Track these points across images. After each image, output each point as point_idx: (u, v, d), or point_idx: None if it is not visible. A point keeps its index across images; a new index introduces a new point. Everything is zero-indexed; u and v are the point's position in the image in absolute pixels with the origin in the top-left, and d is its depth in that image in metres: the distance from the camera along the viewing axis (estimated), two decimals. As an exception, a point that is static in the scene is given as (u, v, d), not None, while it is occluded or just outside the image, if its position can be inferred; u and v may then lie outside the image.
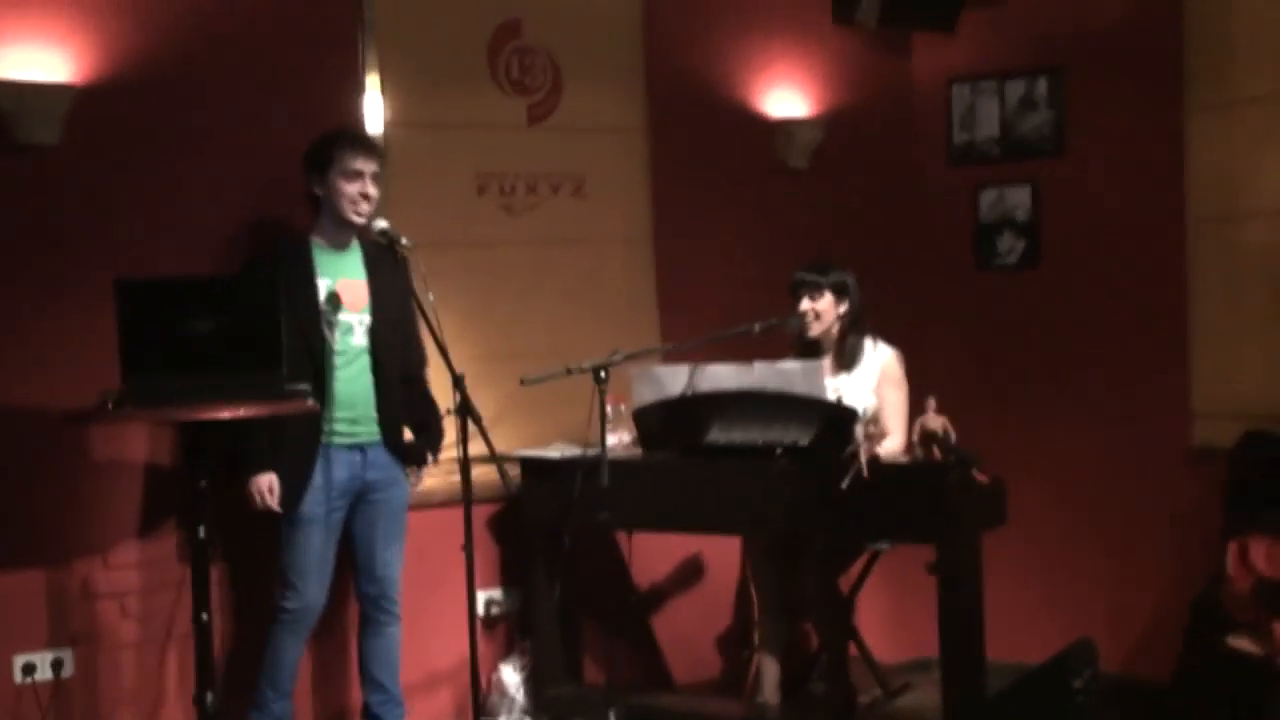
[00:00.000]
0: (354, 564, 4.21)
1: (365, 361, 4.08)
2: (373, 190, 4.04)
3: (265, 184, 4.37)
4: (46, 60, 4.04)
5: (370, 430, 4.10)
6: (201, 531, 3.62)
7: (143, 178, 4.22)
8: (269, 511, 3.94)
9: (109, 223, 4.16)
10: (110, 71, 4.17)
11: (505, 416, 4.73)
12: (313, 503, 3.99)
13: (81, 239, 4.11)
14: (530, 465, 4.60)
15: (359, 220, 4.03)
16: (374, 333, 4.09)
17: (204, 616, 3.64)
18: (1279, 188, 4.79)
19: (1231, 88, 4.93)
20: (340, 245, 4.10)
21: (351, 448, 4.07)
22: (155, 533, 4.24)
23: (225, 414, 3.43)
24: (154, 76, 4.22)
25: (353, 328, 4.07)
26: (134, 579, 4.22)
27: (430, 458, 4.28)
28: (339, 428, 4.04)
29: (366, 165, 4.03)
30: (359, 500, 4.12)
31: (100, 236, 4.13)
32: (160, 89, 4.23)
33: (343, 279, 4.08)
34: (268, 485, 3.93)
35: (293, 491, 3.96)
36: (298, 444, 3.95)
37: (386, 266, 4.08)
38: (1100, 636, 3.95)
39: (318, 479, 3.99)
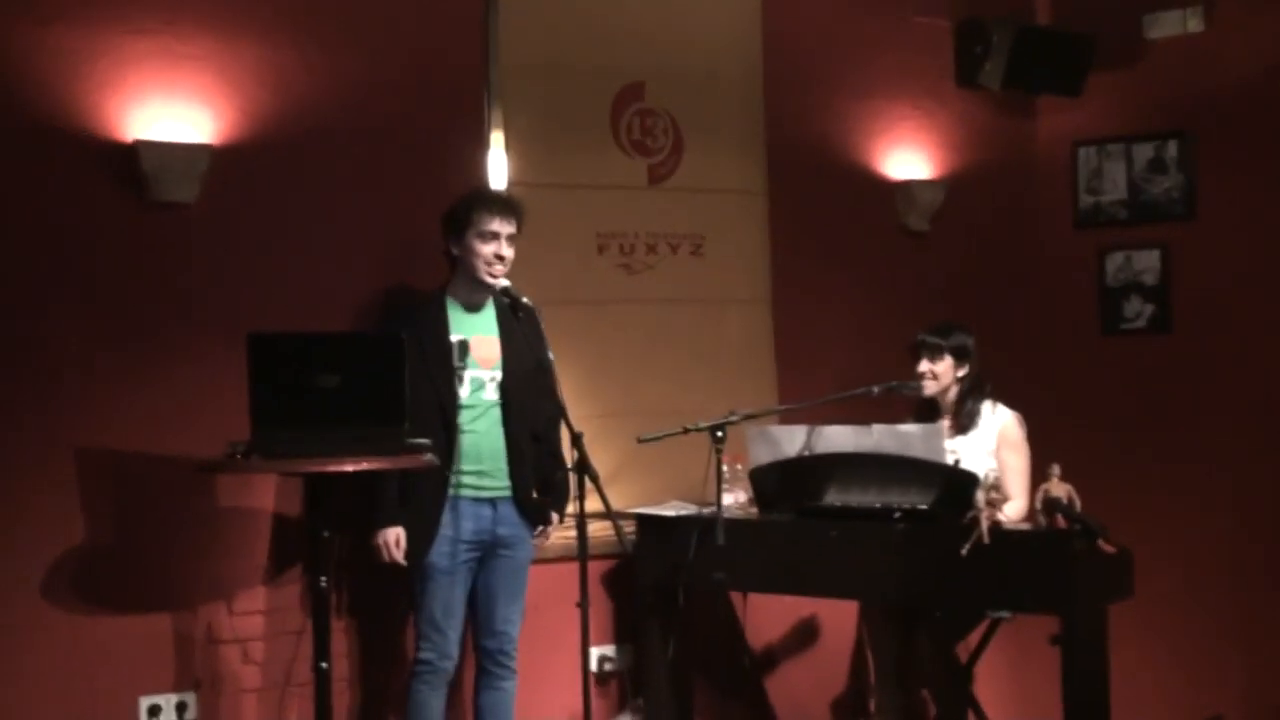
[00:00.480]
0: (474, 618, 4.23)
1: (496, 416, 4.12)
2: (507, 252, 4.08)
3: (392, 244, 4.46)
4: (186, 120, 4.18)
5: (500, 485, 4.13)
6: (323, 581, 3.68)
7: (275, 237, 4.33)
8: (395, 564, 4.00)
9: (241, 280, 4.26)
10: (247, 132, 4.29)
11: (622, 474, 4.74)
12: (440, 554, 4.04)
13: (215, 295, 4.22)
14: (646, 523, 4.60)
15: (492, 281, 4.08)
16: (505, 389, 4.13)
17: (323, 665, 3.69)
18: None
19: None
20: (474, 304, 4.18)
21: (481, 501, 4.11)
22: (279, 581, 4.31)
23: (348, 467, 3.49)
24: (288, 138, 4.34)
25: (484, 383, 4.12)
26: (257, 625, 4.29)
27: (556, 517, 4.30)
28: (468, 480, 4.09)
29: (503, 227, 4.08)
30: (487, 555, 4.16)
31: (232, 293, 4.24)
32: (293, 150, 4.35)
33: (475, 335, 4.14)
34: (394, 538, 3.99)
35: (420, 542, 4.02)
36: (425, 496, 4.00)
37: (515, 324, 4.12)
38: (1234, 716, 3.81)
39: (447, 530, 4.04)
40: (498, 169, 4.71)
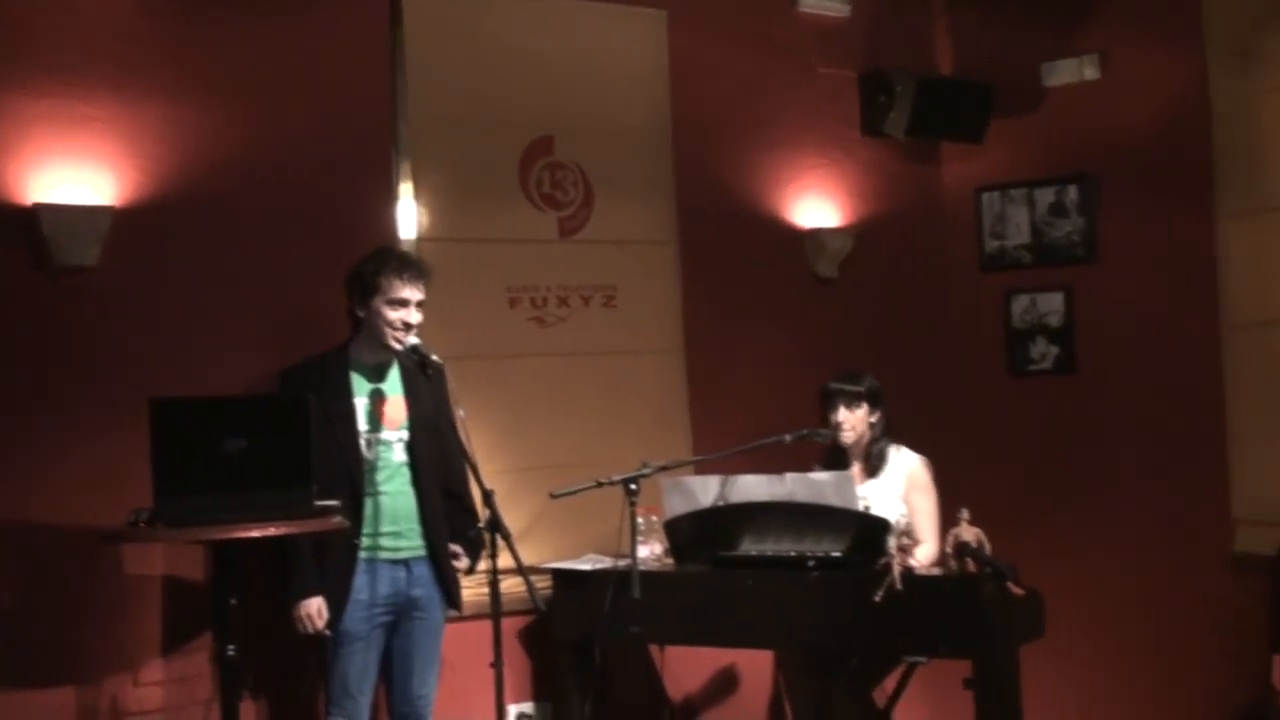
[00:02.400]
0: (389, 682, 4.15)
1: (406, 476, 4.05)
2: (415, 318, 4.00)
3: (299, 303, 4.42)
4: (87, 182, 4.12)
5: (414, 545, 4.06)
6: (230, 650, 3.60)
7: (179, 299, 4.27)
8: (319, 635, 3.92)
9: (145, 344, 4.20)
10: (150, 193, 4.23)
11: (537, 528, 4.73)
12: (355, 619, 3.96)
13: (117, 359, 4.15)
14: (561, 577, 4.58)
15: (399, 347, 4.01)
16: (412, 448, 4.07)
17: (231, 736, 3.61)
18: (1313, 292, 4.78)
19: (1262, 195, 4.94)
20: (378, 364, 4.11)
21: (395, 563, 4.04)
22: (187, 650, 4.22)
23: (254, 533, 3.43)
24: (191, 198, 4.29)
25: (391, 444, 4.05)
26: (162, 696, 4.19)
27: (469, 564, 4.23)
28: (383, 542, 4.01)
29: (413, 293, 3.99)
30: (401, 618, 4.09)
31: (136, 357, 4.17)
32: (198, 211, 4.30)
33: (379, 395, 4.07)
34: (316, 609, 3.89)
35: (333, 608, 3.93)
36: (336, 560, 3.93)
37: (422, 382, 4.07)
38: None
39: (361, 594, 3.96)
40: (407, 224, 4.70)
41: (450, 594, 4.12)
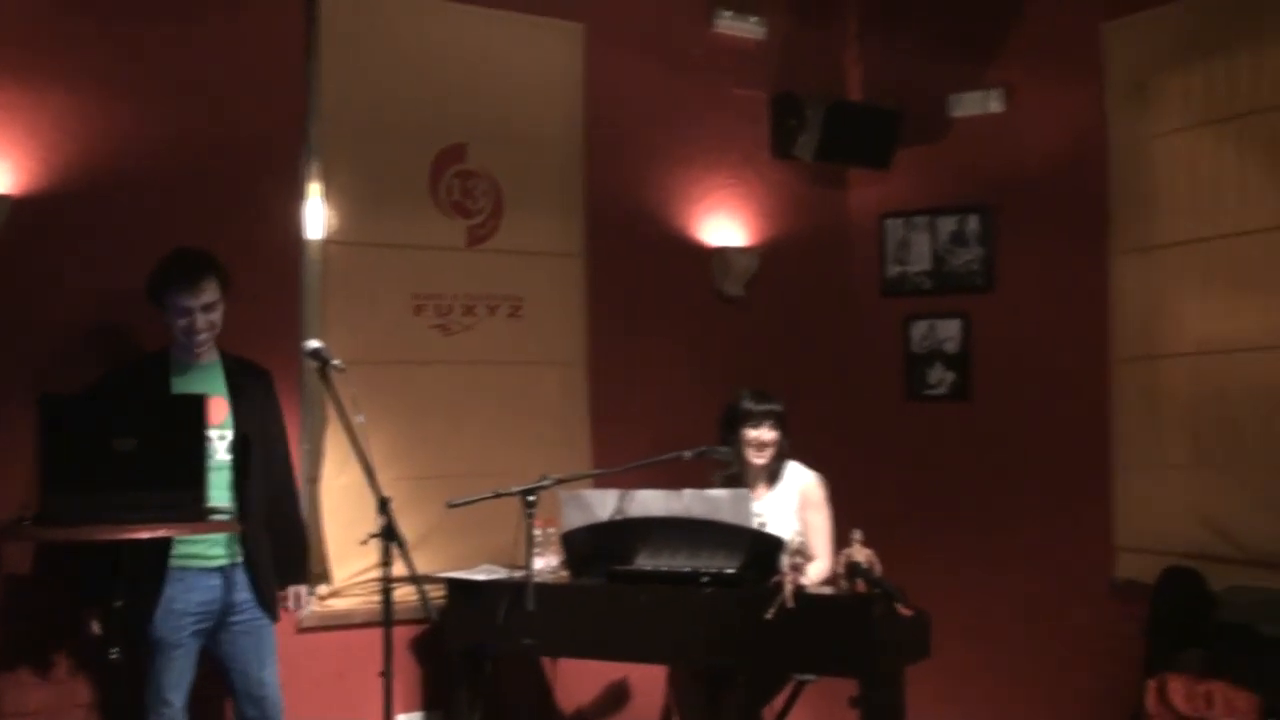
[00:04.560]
0: (232, 689, 4.06)
1: (227, 479, 3.93)
2: (202, 323, 3.89)
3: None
4: (-17, 170, 4.05)
5: (232, 552, 3.95)
6: (113, 653, 3.53)
7: (77, 292, 4.20)
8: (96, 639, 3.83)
9: (36, 337, 4.12)
10: (48, 183, 4.16)
11: (433, 536, 4.71)
12: (167, 627, 3.85)
13: (8, 350, 4.06)
14: (455, 587, 4.55)
15: (198, 351, 3.95)
16: (237, 449, 3.96)
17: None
18: (1197, 329, 4.93)
19: (1154, 231, 5.08)
20: (197, 364, 3.99)
21: (208, 570, 3.92)
22: (65, 652, 4.12)
23: (144, 534, 3.38)
24: (93, 189, 4.22)
25: (214, 444, 3.91)
26: (45, 698, 4.09)
27: (304, 590, 4.22)
28: (197, 549, 3.90)
29: (194, 300, 3.87)
30: (221, 624, 3.97)
31: (25, 350, 4.08)
32: (97, 201, 4.23)
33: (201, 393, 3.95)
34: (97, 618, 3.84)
35: (140, 616, 3.80)
36: (143, 567, 3.77)
37: (250, 382, 3.99)
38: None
39: (174, 603, 3.85)
40: (314, 225, 4.66)
41: (265, 603, 4.02)
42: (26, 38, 4.13)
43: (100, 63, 4.25)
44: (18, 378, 3.98)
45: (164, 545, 3.79)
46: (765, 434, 4.59)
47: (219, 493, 3.88)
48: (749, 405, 4.60)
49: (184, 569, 3.87)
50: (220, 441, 3.95)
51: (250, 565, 3.98)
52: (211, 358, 4.01)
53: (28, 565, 4.08)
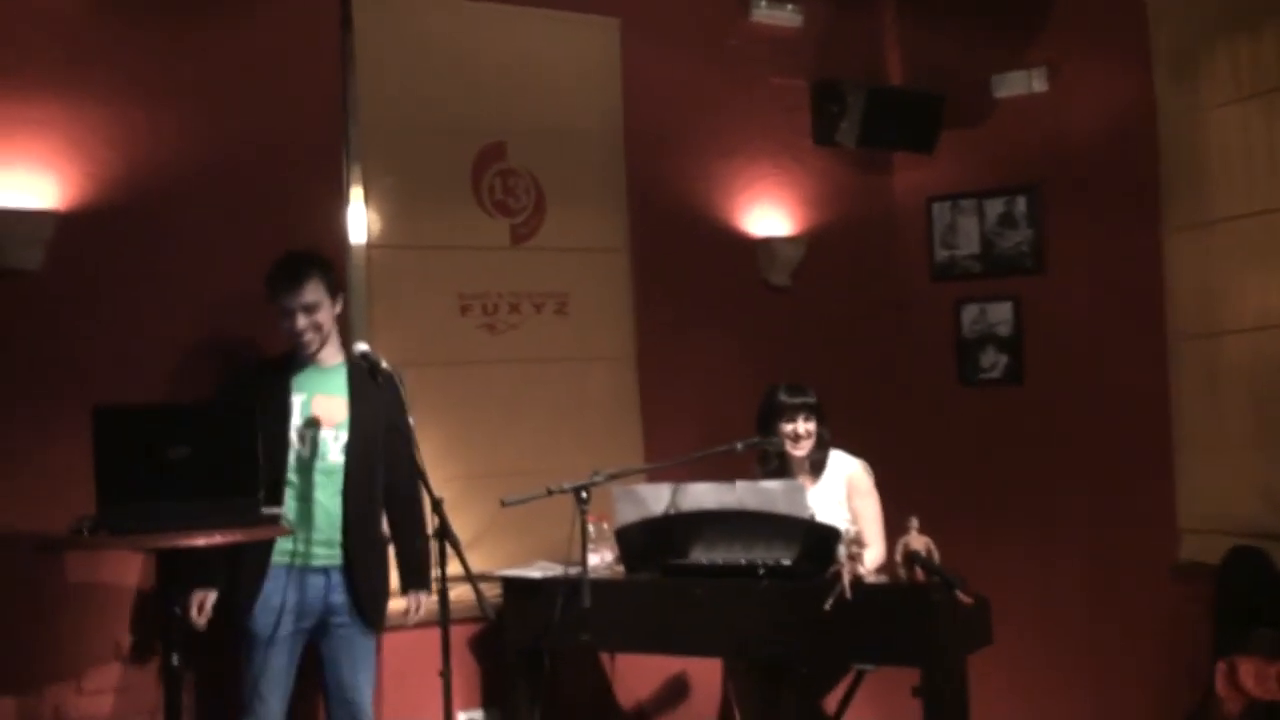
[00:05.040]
0: (324, 690, 4.12)
1: (338, 482, 4.01)
2: (305, 323, 3.96)
3: (249, 307, 4.37)
4: (31, 185, 4.07)
5: (333, 553, 4.00)
6: (174, 659, 3.56)
7: (126, 304, 4.23)
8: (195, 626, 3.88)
9: (89, 349, 4.15)
10: (95, 197, 4.19)
11: (487, 535, 4.71)
12: (267, 623, 3.91)
13: (59, 366, 4.10)
14: (511, 585, 4.55)
15: (309, 350, 4.00)
16: (350, 451, 4.03)
17: (175, 745, 3.57)
18: (1257, 304, 4.84)
19: (1207, 207, 5.00)
20: (321, 364, 4.08)
21: (313, 569, 3.98)
22: (131, 659, 4.17)
23: (200, 541, 3.39)
24: (139, 202, 4.25)
25: (328, 445, 4.01)
26: (107, 705, 4.14)
27: (422, 596, 4.21)
28: (300, 547, 3.95)
29: (293, 300, 3.95)
30: (324, 624, 4.04)
31: (79, 363, 4.11)
32: (145, 214, 4.26)
33: (320, 395, 4.04)
34: (199, 600, 3.87)
35: (240, 609, 3.89)
36: (249, 561, 3.88)
37: (371, 387, 4.01)
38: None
39: (274, 598, 3.91)
40: (357, 230, 4.67)
41: (363, 610, 4.05)
42: (64, 49, 4.16)
43: (138, 72, 4.27)
44: (70, 392, 4.01)
45: (265, 543, 3.84)
46: (801, 426, 4.55)
47: (330, 499, 3.96)
48: (783, 399, 4.58)
49: (287, 566, 3.93)
50: (334, 443, 4.00)
51: (349, 570, 4.00)
52: (335, 360, 4.06)
53: (91, 574, 4.11)
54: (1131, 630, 5.13)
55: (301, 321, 3.96)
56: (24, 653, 4.02)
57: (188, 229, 4.34)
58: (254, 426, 3.56)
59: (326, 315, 4.02)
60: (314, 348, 4.01)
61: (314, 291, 3.98)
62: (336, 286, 4.08)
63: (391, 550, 4.22)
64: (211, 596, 3.88)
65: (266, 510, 3.59)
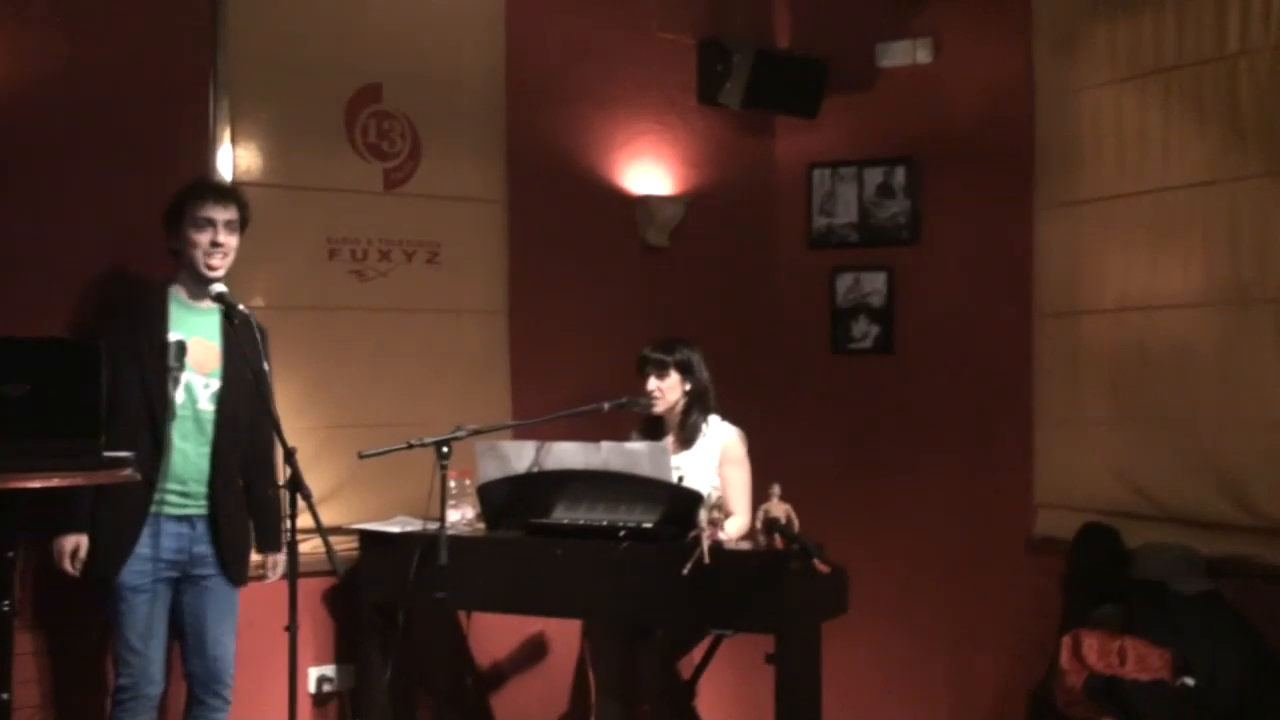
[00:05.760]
0: (182, 641, 4.01)
1: (208, 431, 3.90)
2: (225, 239, 3.89)
3: (109, 241, 4.22)
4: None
5: (199, 503, 3.91)
6: (4, 605, 3.40)
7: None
8: (67, 575, 3.78)
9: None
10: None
11: (348, 488, 4.62)
12: (136, 573, 3.81)
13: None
14: (368, 539, 4.47)
15: (213, 273, 3.88)
16: (220, 400, 3.91)
17: (3, 696, 3.42)
18: (1118, 286, 4.92)
19: (1078, 187, 5.06)
20: (198, 301, 3.94)
21: (181, 519, 3.88)
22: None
23: (35, 483, 3.24)
24: (-3, 129, 4.04)
25: (198, 392, 3.90)
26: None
27: (280, 557, 4.10)
28: (170, 496, 3.86)
29: (219, 213, 3.89)
30: (185, 576, 3.93)
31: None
32: (3, 136, 4.05)
33: (195, 337, 3.91)
34: (71, 547, 3.75)
35: (113, 560, 3.78)
36: (124, 510, 3.76)
37: (245, 335, 3.87)
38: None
39: (144, 548, 3.80)
40: (224, 165, 4.50)
41: (226, 563, 3.97)
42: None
43: (2, -7, 4.05)
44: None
45: (144, 490, 3.72)
46: (655, 382, 4.53)
47: (197, 446, 3.86)
48: (646, 352, 4.57)
49: (159, 514, 3.82)
50: (204, 390, 3.88)
51: (214, 521, 3.91)
52: (210, 304, 3.90)
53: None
54: (988, 602, 5.22)
55: (222, 235, 3.86)
56: None
57: (46, 159, 4.16)
58: (98, 364, 3.40)
59: (234, 244, 3.93)
60: (217, 273, 3.89)
61: (236, 212, 3.93)
62: (245, 222, 4.00)
63: None
64: (84, 543, 3.75)
65: (110, 454, 3.44)
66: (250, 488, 4.07)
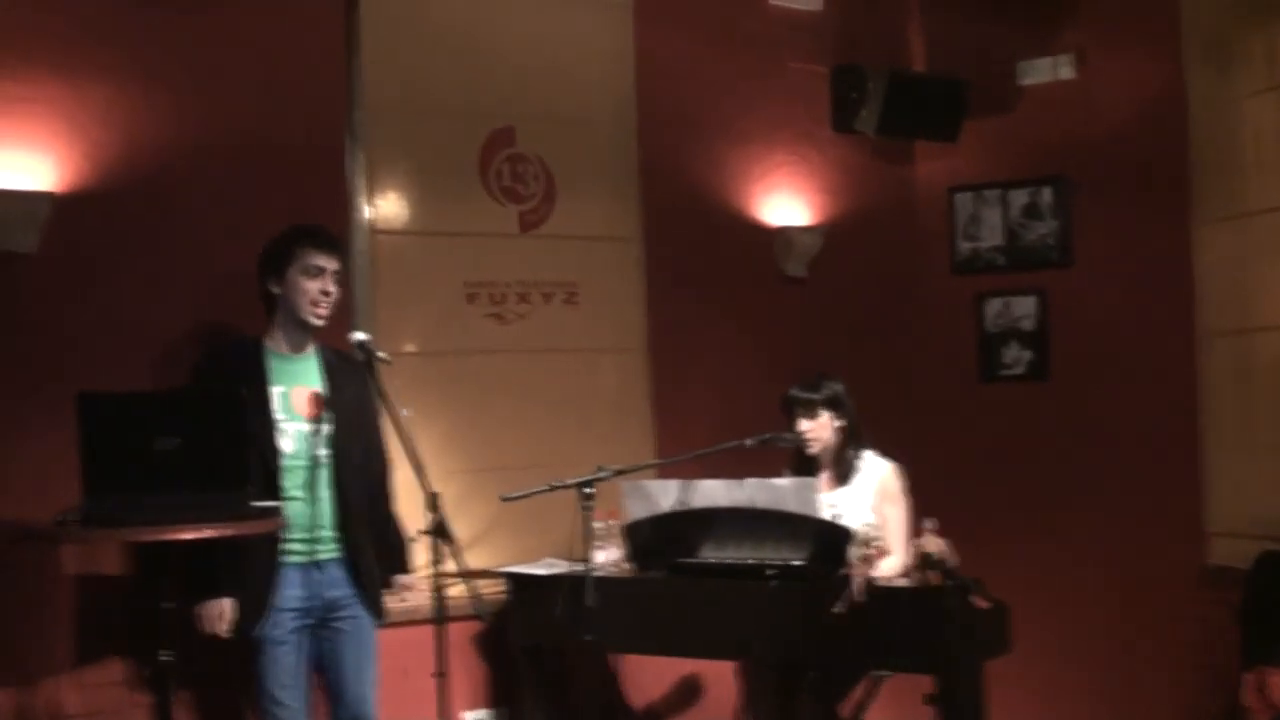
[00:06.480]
0: (326, 691, 4.00)
1: (324, 474, 3.86)
2: (334, 289, 3.87)
3: (248, 296, 4.25)
4: (28, 166, 3.96)
5: (329, 547, 3.87)
6: (163, 655, 3.45)
7: (120, 288, 4.11)
8: (217, 638, 3.77)
9: (82, 333, 4.04)
10: (93, 179, 4.08)
11: (495, 530, 4.62)
12: (273, 625, 3.79)
13: (52, 351, 3.99)
14: (516, 581, 4.45)
15: (317, 322, 3.85)
16: (333, 443, 3.87)
17: (164, 747, 3.47)
18: (1291, 301, 4.68)
19: (1240, 200, 4.86)
20: (297, 352, 3.92)
21: (307, 565, 3.85)
22: (127, 653, 4.06)
23: (188, 535, 3.28)
24: (137, 185, 4.13)
25: (309, 438, 3.85)
26: (104, 699, 4.04)
27: (403, 579, 4.08)
28: (295, 545, 3.82)
29: (329, 262, 3.85)
30: (322, 623, 3.91)
31: (72, 348, 4.01)
32: (143, 198, 4.15)
33: (299, 386, 3.88)
34: (219, 611, 3.74)
35: (250, 614, 3.76)
36: (258, 563, 3.75)
37: (347, 374, 3.88)
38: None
39: (277, 599, 3.78)
40: (362, 215, 4.55)
41: (369, 600, 3.94)
42: (64, 28, 4.05)
43: (139, 52, 4.16)
44: (58, 377, 3.89)
45: (274, 541, 3.72)
46: (807, 423, 4.40)
47: (315, 489, 3.82)
48: (793, 393, 4.44)
49: (284, 564, 3.80)
50: (316, 437, 3.85)
51: (350, 562, 3.89)
52: (310, 349, 3.91)
53: (83, 565, 4.01)
54: (1157, 637, 4.99)
55: (330, 286, 3.84)
56: (19, 645, 3.93)
57: (186, 214, 4.23)
58: (243, 414, 3.45)
59: (338, 295, 3.90)
60: (321, 322, 3.86)
61: (340, 264, 3.90)
62: (346, 276, 4.00)
63: None
64: (229, 605, 3.75)
65: (258, 504, 3.47)
66: (373, 520, 4.02)
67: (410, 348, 4.53)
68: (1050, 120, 5.35)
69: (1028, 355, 5.41)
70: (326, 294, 3.84)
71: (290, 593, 3.80)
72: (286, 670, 3.83)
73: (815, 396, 4.42)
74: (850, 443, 4.47)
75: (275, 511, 3.51)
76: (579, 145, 4.95)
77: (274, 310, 3.90)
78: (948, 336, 5.55)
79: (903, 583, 4.04)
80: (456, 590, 3.94)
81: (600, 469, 4.04)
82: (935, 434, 5.46)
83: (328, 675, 3.97)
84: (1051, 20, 5.32)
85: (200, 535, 3.32)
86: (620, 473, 4.16)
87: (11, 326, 3.96)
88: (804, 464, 4.52)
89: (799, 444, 4.44)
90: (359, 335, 3.87)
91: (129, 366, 4.01)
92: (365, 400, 3.88)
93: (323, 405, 3.87)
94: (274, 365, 3.87)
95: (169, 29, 4.22)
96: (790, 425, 4.45)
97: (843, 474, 4.46)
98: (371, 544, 3.99)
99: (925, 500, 4.32)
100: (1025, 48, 5.38)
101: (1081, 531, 5.20)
